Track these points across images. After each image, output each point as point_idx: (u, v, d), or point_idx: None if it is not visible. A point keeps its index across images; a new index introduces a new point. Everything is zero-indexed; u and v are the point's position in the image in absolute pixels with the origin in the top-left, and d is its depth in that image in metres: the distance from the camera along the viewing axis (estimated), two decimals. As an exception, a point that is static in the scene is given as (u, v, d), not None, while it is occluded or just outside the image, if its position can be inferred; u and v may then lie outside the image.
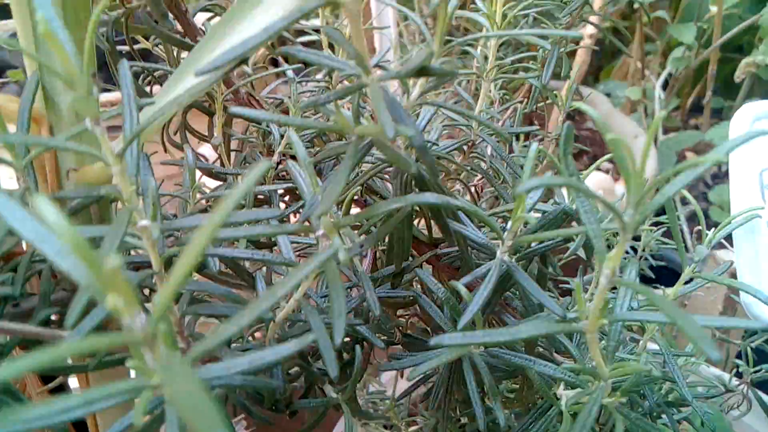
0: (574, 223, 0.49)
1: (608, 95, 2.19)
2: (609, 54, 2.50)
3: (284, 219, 0.51)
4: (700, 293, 1.22)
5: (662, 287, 0.62)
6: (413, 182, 0.40)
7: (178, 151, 0.61)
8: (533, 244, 0.47)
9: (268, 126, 0.54)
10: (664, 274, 1.03)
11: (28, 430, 0.26)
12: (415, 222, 0.53)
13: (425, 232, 0.60)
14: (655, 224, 1.00)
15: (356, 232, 0.44)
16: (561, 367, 0.40)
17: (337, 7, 0.30)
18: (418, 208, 0.53)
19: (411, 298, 0.51)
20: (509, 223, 0.39)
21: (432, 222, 0.60)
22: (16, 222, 0.22)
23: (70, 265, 0.22)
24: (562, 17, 0.73)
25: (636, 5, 1.96)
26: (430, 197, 0.35)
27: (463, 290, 0.41)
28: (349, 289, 0.49)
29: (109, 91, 0.83)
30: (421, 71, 0.31)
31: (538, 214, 0.47)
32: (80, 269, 0.22)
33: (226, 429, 0.15)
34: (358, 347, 0.44)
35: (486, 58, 0.60)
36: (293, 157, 0.56)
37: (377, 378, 1.06)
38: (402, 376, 0.94)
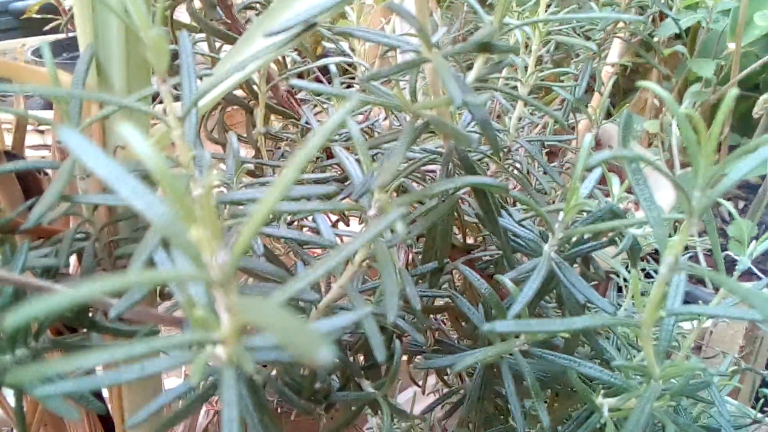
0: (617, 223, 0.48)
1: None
2: (622, 92, 2.52)
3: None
4: (725, 321, 1.20)
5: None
6: (462, 171, 0.39)
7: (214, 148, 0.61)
8: (577, 246, 0.46)
9: (307, 123, 0.54)
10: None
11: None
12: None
13: (459, 239, 0.60)
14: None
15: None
16: (612, 363, 0.39)
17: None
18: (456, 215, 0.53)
19: (447, 298, 0.50)
20: (560, 215, 0.38)
21: (466, 230, 0.60)
22: (90, 160, 0.22)
23: (145, 204, 0.21)
24: (597, 32, 0.73)
25: (655, 41, 1.98)
26: (485, 178, 0.34)
27: (509, 284, 0.40)
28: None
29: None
30: (484, 47, 0.31)
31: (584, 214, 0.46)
32: (156, 206, 0.21)
33: (332, 347, 0.14)
34: (397, 341, 0.43)
35: (525, 68, 0.60)
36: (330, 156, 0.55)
37: (394, 398, 1.04)
38: (424, 393, 0.92)
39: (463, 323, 0.63)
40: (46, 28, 1.77)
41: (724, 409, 0.58)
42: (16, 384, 0.33)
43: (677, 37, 2.03)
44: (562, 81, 0.84)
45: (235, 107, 0.62)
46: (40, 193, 0.44)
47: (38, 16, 2.06)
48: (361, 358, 0.51)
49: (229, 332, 0.23)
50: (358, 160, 0.38)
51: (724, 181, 0.30)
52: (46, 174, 0.45)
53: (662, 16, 1.84)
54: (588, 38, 0.80)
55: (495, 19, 0.33)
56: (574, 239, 0.47)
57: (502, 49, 0.31)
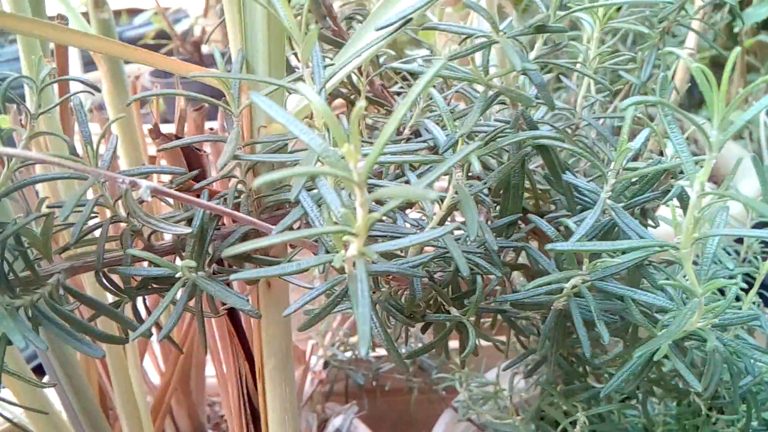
0: (672, 181, 0.56)
1: (709, 120, 2.17)
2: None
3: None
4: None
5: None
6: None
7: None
8: (634, 198, 0.54)
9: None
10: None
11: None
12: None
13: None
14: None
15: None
16: (659, 282, 0.46)
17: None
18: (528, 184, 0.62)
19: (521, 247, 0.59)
20: (612, 163, 0.47)
21: (538, 198, 0.68)
22: (272, 112, 0.33)
23: (309, 138, 0.33)
24: (658, 22, 0.80)
25: (737, 31, 1.96)
26: (545, 132, 0.44)
27: (572, 224, 0.49)
28: (467, 239, 0.58)
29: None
30: (539, 28, 0.41)
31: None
32: (315, 139, 0.32)
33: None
34: (478, 277, 0.53)
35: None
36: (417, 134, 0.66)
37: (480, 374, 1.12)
38: (506, 356, 1.00)
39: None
40: (161, 52, 2.00)
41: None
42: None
43: (762, 27, 2.00)
44: (627, 70, 0.91)
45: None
46: (200, 166, 0.57)
47: (152, 42, 2.33)
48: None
49: (362, 224, 0.33)
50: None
51: (736, 122, 0.38)
52: (201, 151, 0.58)
53: (743, 5, 1.83)
54: (652, 26, 0.86)
55: (552, 6, 0.43)
56: (630, 194, 0.55)
57: (555, 30, 0.41)
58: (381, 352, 1.29)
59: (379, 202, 0.54)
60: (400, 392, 1.27)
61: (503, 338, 0.91)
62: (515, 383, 0.99)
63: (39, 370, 1.19)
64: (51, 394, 0.79)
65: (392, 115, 0.30)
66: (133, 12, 2.66)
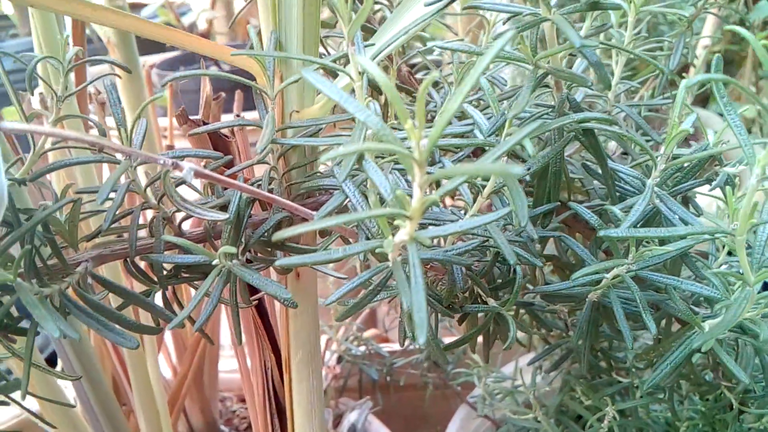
0: (716, 168, 0.54)
1: (721, 115, 2.15)
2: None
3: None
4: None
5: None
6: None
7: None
8: (677, 185, 0.52)
9: (429, 96, 0.63)
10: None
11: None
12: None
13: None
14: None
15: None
16: (708, 271, 0.45)
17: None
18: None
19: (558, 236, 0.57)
20: (662, 148, 0.45)
21: (571, 189, 0.67)
22: (323, 87, 0.32)
23: (365, 116, 0.31)
24: (688, 7, 0.78)
25: (747, 25, 1.94)
26: (595, 113, 0.42)
27: (618, 212, 0.47)
28: (504, 227, 0.56)
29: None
30: (594, 5, 0.39)
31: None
32: (371, 117, 0.30)
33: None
34: (517, 267, 0.51)
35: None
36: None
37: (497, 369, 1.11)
38: (529, 350, 0.98)
39: (567, 272, 0.70)
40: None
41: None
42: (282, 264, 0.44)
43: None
44: (656, 58, 0.89)
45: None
46: (227, 152, 0.55)
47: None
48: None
49: (417, 207, 0.31)
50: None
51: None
52: (228, 137, 0.56)
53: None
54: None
55: (601, -16, 0.41)
56: (673, 182, 0.53)
57: (609, 7, 0.39)
58: (395, 346, 1.28)
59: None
60: (414, 387, 1.26)
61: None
62: (535, 378, 0.98)
63: (50, 360, 1.17)
64: (63, 384, 0.78)
65: (456, 92, 0.28)
66: (137, 6, 2.63)
